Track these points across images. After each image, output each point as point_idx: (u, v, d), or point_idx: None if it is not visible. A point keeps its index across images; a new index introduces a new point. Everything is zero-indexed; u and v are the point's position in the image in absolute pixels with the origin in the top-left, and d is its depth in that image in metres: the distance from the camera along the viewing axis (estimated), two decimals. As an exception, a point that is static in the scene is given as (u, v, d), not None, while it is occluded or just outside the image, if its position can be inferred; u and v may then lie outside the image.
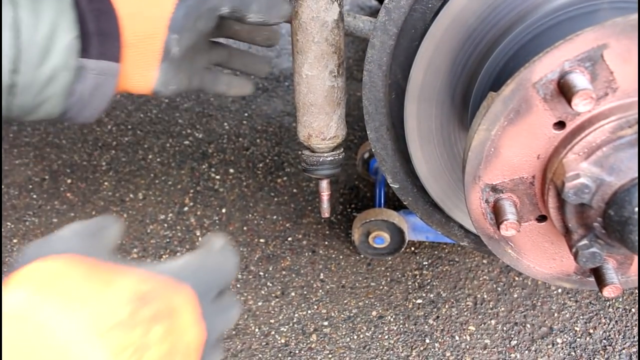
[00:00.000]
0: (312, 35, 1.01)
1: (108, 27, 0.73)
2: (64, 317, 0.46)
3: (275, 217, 1.89)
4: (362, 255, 1.75)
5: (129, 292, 0.49)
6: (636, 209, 0.77)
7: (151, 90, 0.81)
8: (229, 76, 0.99)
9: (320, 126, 1.08)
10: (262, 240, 1.83)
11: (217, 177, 2.04)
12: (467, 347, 1.53)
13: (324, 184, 1.16)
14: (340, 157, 1.12)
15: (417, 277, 1.70)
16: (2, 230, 1.84)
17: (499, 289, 1.66)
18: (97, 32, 0.72)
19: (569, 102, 0.74)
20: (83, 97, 0.73)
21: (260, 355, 1.52)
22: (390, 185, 1.18)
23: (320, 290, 1.67)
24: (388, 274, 1.71)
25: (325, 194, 1.16)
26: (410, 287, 1.68)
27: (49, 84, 0.69)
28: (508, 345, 1.54)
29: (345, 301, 1.64)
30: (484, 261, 1.73)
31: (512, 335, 1.56)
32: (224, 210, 1.92)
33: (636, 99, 0.77)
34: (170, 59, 0.79)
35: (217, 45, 0.98)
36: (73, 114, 0.75)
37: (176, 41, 0.78)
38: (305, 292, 1.66)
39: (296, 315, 1.60)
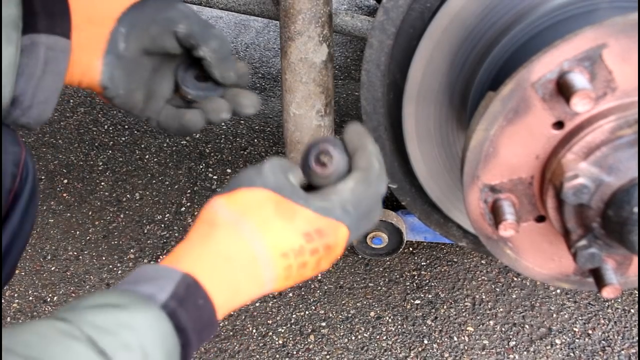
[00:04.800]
0: (300, 76, 1.04)
1: (56, 5, 0.73)
2: (256, 236, 0.65)
3: (272, 217, 1.89)
4: (360, 256, 1.74)
5: (304, 228, 0.66)
6: (635, 209, 0.76)
7: (98, 82, 0.79)
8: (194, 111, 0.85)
9: None
10: (259, 241, 1.82)
11: (215, 177, 2.03)
12: (466, 348, 1.53)
13: None
14: None
15: (416, 277, 1.70)
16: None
17: (498, 289, 1.66)
18: (44, 9, 0.72)
19: (567, 101, 0.74)
20: (35, 74, 0.72)
21: (257, 356, 1.51)
22: (389, 185, 1.17)
23: (318, 291, 1.66)
24: (386, 274, 1.71)
25: None
26: (408, 287, 1.67)
27: None
28: (507, 346, 1.53)
29: (343, 302, 1.63)
30: (483, 262, 1.73)
31: (511, 336, 1.55)
32: (221, 211, 1.91)
33: (635, 98, 0.77)
34: (118, 56, 0.78)
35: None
36: (24, 103, 0.73)
37: (123, 36, 0.78)
38: (303, 293, 1.66)
39: (294, 316, 1.60)
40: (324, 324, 1.58)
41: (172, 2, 0.79)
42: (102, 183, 2.00)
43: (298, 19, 1.01)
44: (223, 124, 2.21)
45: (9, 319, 1.60)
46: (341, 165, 0.70)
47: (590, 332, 1.55)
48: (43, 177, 2.03)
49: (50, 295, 1.66)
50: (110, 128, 2.22)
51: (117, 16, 0.77)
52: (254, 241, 0.65)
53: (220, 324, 1.58)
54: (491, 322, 1.58)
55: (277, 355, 1.52)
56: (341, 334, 1.56)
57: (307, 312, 1.61)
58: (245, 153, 2.12)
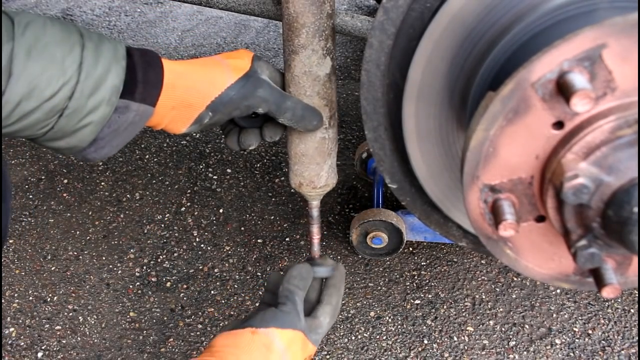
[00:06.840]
0: (304, 89, 1.03)
1: (153, 78, 0.88)
2: None
3: (272, 217, 1.89)
4: (360, 256, 1.74)
5: (307, 356, 1.04)
6: (635, 209, 0.76)
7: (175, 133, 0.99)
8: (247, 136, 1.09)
9: (311, 175, 1.10)
10: (259, 241, 1.82)
11: (215, 177, 2.03)
12: (466, 347, 1.53)
13: (315, 229, 1.18)
14: None
15: (416, 277, 1.70)
16: (-1, 230, 1.83)
17: (498, 289, 1.66)
18: (144, 79, 0.87)
19: (567, 102, 0.74)
20: (118, 129, 0.87)
21: (257, 356, 1.51)
22: (389, 185, 1.17)
23: (318, 291, 1.66)
24: (386, 274, 1.71)
25: (316, 238, 1.19)
26: (408, 287, 1.67)
27: (91, 112, 0.83)
28: (506, 346, 1.53)
29: (343, 302, 1.63)
30: (483, 261, 1.73)
31: (511, 336, 1.55)
32: (221, 211, 1.91)
33: (635, 98, 0.77)
34: (200, 125, 0.95)
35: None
36: (100, 144, 0.87)
37: (208, 116, 0.94)
38: (303, 293, 1.66)
39: (294, 315, 1.60)
40: (324, 324, 1.58)
41: (255, 87, 0.95)
42: (102, 183, 2.00)
43: (302, 33, 1.01)
44: (223, 124, 2.21)
45: (9, 318, 1.60)
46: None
47: (590, 332, 1.55)
48: (43, 177, 2.03)
49: (50, 295, 1.67)
50: (110, 128, 2.22)
51: (207, 104, 0.93)
52: None
53: (220, 324, 1.58)
54: (491, 322, 1.58)
55: (277, 355, 1.51)
56: (341, 334, 1.56)
57: (307, 312, 1.61)
58: (245, 153, 2.12)
